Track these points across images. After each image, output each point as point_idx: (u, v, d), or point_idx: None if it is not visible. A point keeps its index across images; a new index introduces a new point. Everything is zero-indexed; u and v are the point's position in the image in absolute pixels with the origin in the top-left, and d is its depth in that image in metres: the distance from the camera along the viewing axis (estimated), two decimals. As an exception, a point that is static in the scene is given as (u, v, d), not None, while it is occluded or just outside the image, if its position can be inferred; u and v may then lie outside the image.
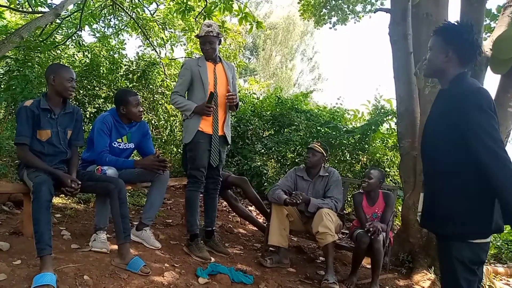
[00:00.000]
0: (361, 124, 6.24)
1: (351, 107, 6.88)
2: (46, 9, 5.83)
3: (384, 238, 3.15)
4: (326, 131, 6.09)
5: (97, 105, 6.44)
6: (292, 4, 23.52)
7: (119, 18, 8.44)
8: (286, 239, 3.39)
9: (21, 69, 5.01)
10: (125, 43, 7.96)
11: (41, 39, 5.92)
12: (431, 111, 1.89)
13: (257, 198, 4.08)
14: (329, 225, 3.10)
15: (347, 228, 3.88)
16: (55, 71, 2.61)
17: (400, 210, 4.16)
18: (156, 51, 7.78)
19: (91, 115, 6.30)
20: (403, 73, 4.12)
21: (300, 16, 9.24)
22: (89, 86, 6.35)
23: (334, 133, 5.98)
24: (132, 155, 3.43)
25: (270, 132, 6.80)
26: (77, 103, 6.10)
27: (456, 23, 1.79)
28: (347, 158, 6.12)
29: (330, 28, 8.92)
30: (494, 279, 3.66)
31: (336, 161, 6.14)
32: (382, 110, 5.99)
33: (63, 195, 3.57)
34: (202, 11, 6.50)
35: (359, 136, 5.85)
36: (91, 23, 7.54)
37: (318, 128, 6.22)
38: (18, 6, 6.74)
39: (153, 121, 6.75)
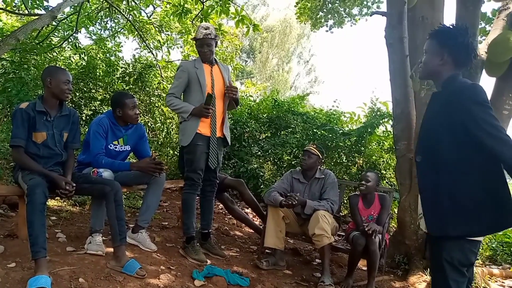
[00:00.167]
0: (357, 126, 6.25)
1: (348, 109, 6.92)
2: (43, 12, 5.81)
3: (380, 240, 3.16)
4: (322, 133, 6.10)
5: (93, 108, 6.41)
6: (289, 7, 23.60)
7: (116, 21, 8.44)
8: (282, 241, 3.39)
9: (17, 71, 5.00)
10: (122, 46, 7.94)
11: (37, 42, 5.90)
12: (425, 114, 1.91)
13: (253, 201, 4.08)
14: (325, 227, 3.11)
15: (343, 230, 3.89)
16: (51, 73, 2.60)
17: (396, 212, 4.17)
18: (152, 53, 7.78)
19: (87, 117, 6.27)
20: (399, 76, 4.13)
21: (296, 19, 9.27)
22: (85, 89, 6.33)
23: (330, 135, 5.99)
24: (128, 157, 3.42)
25: (266, 134, 6.80)
26: (73, 106, 6.08)
27: (451, 26, 1.81)
28: (343, 160, 6.13)
29: (327, 31, 8.96)
30: (489, 280, 3.68)
31: (332, 164, 6.15)
32: (378, 113, 6.00)
33: (59, 198, 3.56)
34: (199, 14, 6.50)
35: (355, 138, 5.86)
36: (88, 26, 7.54)
37: (315, 130, 6.23)
38: (15, 8, 6.72)
39: (149, 124, 6.74)
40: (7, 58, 5.23)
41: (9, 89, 4.72)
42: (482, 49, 3.45)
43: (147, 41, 7.84)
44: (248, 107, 7.04)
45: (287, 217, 3.45)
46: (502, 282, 3.95)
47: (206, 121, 3.16)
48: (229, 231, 4.32)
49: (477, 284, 3.39)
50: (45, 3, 5.20)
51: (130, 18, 7.63)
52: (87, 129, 4.37)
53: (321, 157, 3.55)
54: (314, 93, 25.46)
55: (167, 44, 8.36)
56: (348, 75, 47.68)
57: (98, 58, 6.75)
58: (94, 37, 7.93)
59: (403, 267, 3.74)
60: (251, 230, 4.37)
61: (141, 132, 3.33)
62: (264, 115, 6.78)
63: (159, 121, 6.87)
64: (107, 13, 7.85)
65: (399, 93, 4.15)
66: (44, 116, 2.59)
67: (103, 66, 6.56)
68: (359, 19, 8.81)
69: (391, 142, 5.67)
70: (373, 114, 6.03)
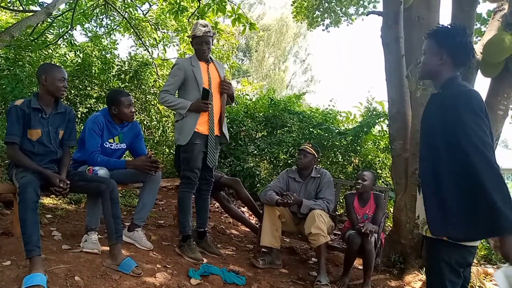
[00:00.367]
0: (353, 126, 6.27)
1: (344, 109, 6.91)
2: (38, 8, 5.78)
3: (376, 239, 3.17)
4: (318, 132, 6.11)
5: (88, 105, 6.38)
6: (285, 6, 23.61)
7: (111, 18, 8.39)
8: (278, 240, 3.40)
9: (12, 68, 4.96)
10: (117, 43, 7.94)
11: (32, 38, 5.86)
12: (423, 115, 1.90)
13: (249, 199, 4.08)
14: (321, 226, 3.12)
15: (339, 229, 3.90)
16: (46, 70, 2.59)
17: (392, 211, 4.19)
18: (148, 51, 7.75)
19: (83, 115, 6.23)
20: (395, 76, 4.16)
21: (293, 18, 9.25)
22: (80, 86, 6.30)
23: (326, 134, 6.00)
24: (124, 155, 3.41)
25: (263, 133, 6.80)
26: (69, 103, 6.04)
27: (449, 26, 1.81)
28: (339, 159, 6.15)
29: (323, 30, 8.95)
30: (484, 279, 3.70)
31: (328, 163, 6.17)
32: (374, 112, 6.03)
33: (54, 196, 3.54)
34: (195, 12, 6.48)
35: (351, 138, 5.88)
36: (83, 23, 7.48)
37: (311, 129, 6.25)
38: (9, 5, 6.66)
39: (145, 122, 6.72)
40: (2, 55, 5.19)
41: (4, 86, 4.68)
42: (477, 49, 3.47)
43: (143, 39, 7.81)
44: (245, 106, 7.04)
45: (283, 216, 3.46)
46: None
47: (204, 119, 3.15)
48: (225, 230, 4.31)
49: (472, 283, 3.41)
50: (40, 0, 5.16)
51: (125, 16, 7.60)
52: (82, 127, 4.35)
53: (316, 156, 3.56)
54: (310, 92, 25.51)
55: (163, 42, 8.33)
56: (344, 74, 47.87)
57: (93, 56, 6.71)
58: (89, 34, 7.89)
59: (398, 266, 3.76)
60: (247, 229, 4.37)
61: (137, 130, 3.31)
62: (261, 114, 6.78)
63: (155, 119, 6.85)
64: (103, 10, 7.82)
65: (395, 92, 4.17)
66: (39, 113, 2.57)
67: (98, 63, 6.52)
68: (355, 18, 8.81)
69: (386, 142, 5.70)
70: (369, 114, 6.06)
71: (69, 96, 6.11)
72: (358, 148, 5.91)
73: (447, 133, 1.69)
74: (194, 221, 3.43)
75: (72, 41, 6.88)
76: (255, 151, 6.25)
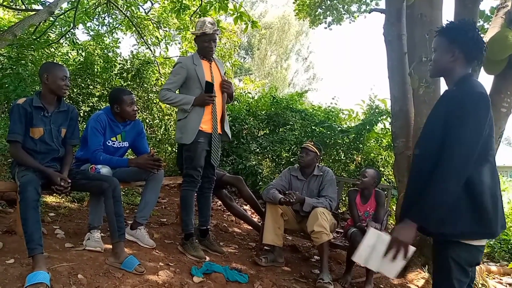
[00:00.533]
0: (356, 123, 6.25)
1: (346, 106, 6.89)
2: (40, 7, 5.79)
3: (378, 237, 3.16)
4: (321, 130, 6.10)
5: (91, 104, 6.40)
6: (287, 4, 23.60)
7: (114, 17, 8.40)
8: (280, 238, 3.39)
9: (14, 67, 4.98)
10: (120, 42, 7.90)
11: (34, 37, 5.88)
12: (432, 110, 1.87)
13: (252, 197, 4.08)
14: (324, 224, 3.11)
15: (341, 227, 3.90)
16: (48, 69, 2.59)
17: (394, 209, 4.18)
18: (150, 49, 7.75)
19: (85, 113, 6.26)
20: (398, 73, 4.14)
21: (295, 16, 9.24)
22: (83, 85, 6.32)
23: (328, 132, 5.99)
24: (126, 154, 3.42)
25: (265, 131, 6.80)
26: (71, 102, 6.06)
27: (458, 22, 1.79)
28: (342, 157, 6.14)
29: (325, 28, 8.93)
30: (487, 277, 3.69)
31: (330, 161, 6.16)
32: (377, 110, 6.01)
33: (56, 194, 3.55)
34: (197, 10, 6.48)
35: (353, 135, 5.87)
36: (85, 21, 7.49)
37: (313, 127, 6.24)
38: (12, 4, 6.69)
39: (147, 120, 6.73)
40: (4, 54, 5.21)
41: (7, 85, 4.70)
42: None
43: (145, 37, 7.81)
44: (247, 104, 7.04)
45: (286, 214, 3.46)
46: (500, 279, 3.97)
47: (207, 117, 3.14)
48: (228, 228, 4.32)
49: (475, 281, 3.40)
50: (42, -1, 5.18)
51: (128, 14, 7.60)
52: (85, 125, 4.36)
53: (318, 154, 3.55)
54: (312, 90, 25.54)
55: (165, 40, 8.33)
56: (346, 72, 47.79)
57: (95, 54, 6.73)
58: (91, 33, 7.89)
59: (401, 264, 3.75)
60: (250, 227, 4.37)
61: (139, 129, 3.32)
62: (263, 112, 6.78)
63: (157, 118, 6.86)
64: (105, 8, 7.82)
65: (397, 90, 4.15)
66: (41, 112, 2.58)
67: (101, 62, 6.54)
68: (357, 16, 8.79)
69: (389, 140, 5.68)
70: (372, 112, 6.04)
71: (72, 95, 6.14)
72: (361, 146, 5.89)
73: (446, 127, 1.67)
74: (196, 219, 3.43)
75: (74, 40, 6.90)
76: (257, 149, 6.25)
